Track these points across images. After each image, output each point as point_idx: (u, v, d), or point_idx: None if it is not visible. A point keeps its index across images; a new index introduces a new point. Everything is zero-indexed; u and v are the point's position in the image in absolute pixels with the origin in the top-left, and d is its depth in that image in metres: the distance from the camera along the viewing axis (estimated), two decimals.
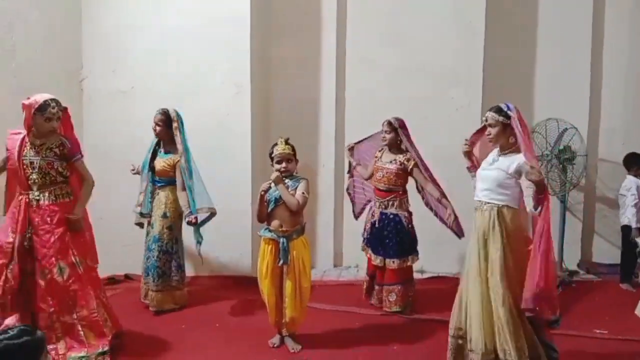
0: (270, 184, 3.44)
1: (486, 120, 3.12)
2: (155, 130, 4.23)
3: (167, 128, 4.18)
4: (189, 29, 4.91)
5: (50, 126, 3.22)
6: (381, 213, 4.25)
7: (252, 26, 4.89)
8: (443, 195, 4.13)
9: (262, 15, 5.21)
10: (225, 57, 4.90)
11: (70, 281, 3.24)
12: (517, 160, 3.02)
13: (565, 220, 5.22)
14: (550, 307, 3.00)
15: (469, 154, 3.32)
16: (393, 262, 4.18)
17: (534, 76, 5.48)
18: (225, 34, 4.87)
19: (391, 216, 4.22)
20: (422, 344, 3.68)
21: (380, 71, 5.33)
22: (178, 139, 4.15)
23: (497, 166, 3.09)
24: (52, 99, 3.22)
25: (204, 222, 4.23)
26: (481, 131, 3.28)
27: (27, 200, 3.24)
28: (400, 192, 4.24)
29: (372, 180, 4.34)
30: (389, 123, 4.24)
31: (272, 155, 3.52)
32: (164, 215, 4.22)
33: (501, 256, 2.98)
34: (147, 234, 4.30)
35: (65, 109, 3.32)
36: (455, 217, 4.12)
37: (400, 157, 4.20)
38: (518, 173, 3.00)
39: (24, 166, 3.23)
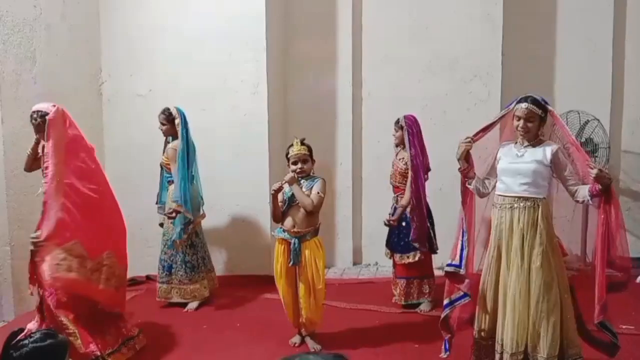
0: (282, 183, 3.43)
1: (524, 114, 2.92)
2: (161, 130, 4.34)
3: (172, 125, 4.29)
4: (206, 31, 4.93)
5: (40, 136, 3.32)
6: (394, 208, 4.27)
7: (268, 25, 4.89)
8: (405, 206, 4.12)
9: (278, 14, 5.22)
10: (241, 58, 4.91)
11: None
12: (549, 149, 2.93)
13: (588, 214, 5.11)
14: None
15: (467, 155, 3.16)
16: (400, 256, 4.22)
17: (554, 68, 5.39)
18: (241, 34, 4.88)
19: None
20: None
21: (397, 67, 5.30)
22: (183, 135, 4.26)
23: (531, 158, 2.95)
24: (36, 111, 3.28)
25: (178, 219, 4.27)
26: (488, 127, 3.17)
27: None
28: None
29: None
30: (396, 122, 4.25)
31: (288, 156, 3.51)
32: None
33: (544, 251, 2.91)
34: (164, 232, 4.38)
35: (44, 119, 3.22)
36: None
37: (406, 156, 4.17)
38: (554, 163, 2.93)
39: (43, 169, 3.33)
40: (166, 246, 4.35)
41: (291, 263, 3.45)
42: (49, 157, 3.16)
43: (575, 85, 5.28)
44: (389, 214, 4.31)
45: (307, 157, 3.49)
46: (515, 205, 2.97)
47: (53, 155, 3.15)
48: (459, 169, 3.21)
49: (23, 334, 1.81)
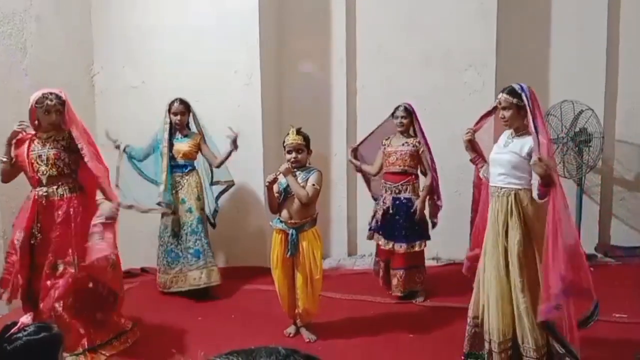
0: (276, 174, 3.41)
1: (499, 103, 3.02)
2: (175, 119, 4.36)
3: (185, 116, 4.40)
4: (199, 23, 4.89)
5: (49, 119, 3.24)
6: (393, 198, 4.24)
7: (261, 17, 4.86)
8: (432, 187, 4.20)
9: (272, 6, 5.18)
10: (235, 49, 4.88)
11: (60, 279, 3.22)
12: (529, 141, 2.94)
13: (582, 203, 5.14)
14: (587, 297, 2.91)
15: (471, 144, 3.21)
16: (400, 246, 4.19)
17: (548, 57, 5.37)
18: (235, 26, 4.86)
19: (404, 201, 4.21)
20: (438, 332, 3.68)
21: (391, 58, 5.28)
22: (196, 122, 4.48)
23: (510, 149, 3.00)
24: (50, 92, 3.23)
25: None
26: (487, 115, 3.20)
27: (35, 196, 3.27)
28: (414, 176, 4.25)
29: (384, 167, 4.32)
30: (405, 108, 4.24)
31: (284, 144, 3.49)
32: (198, 198, 4.42)
33: (520, 242, 2.91)
34: (179, 222, 4.39)
35: (65, 102, 3.28)
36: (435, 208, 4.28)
37: (411, 140, 4.22)
38: (530, 155, 2.92)
39: (32, 160, 3.26)
40: (205, 232, 4.40)
41: (289, 254, 3.45)
42: (82, 138, 3.28)
43: (570, 75, 5.27)
44: (382, 205, 4.30)
45: (303, 147, 3.46)
46: (495, 194, 3.03)
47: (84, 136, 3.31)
48: (469, 159, 3.27)
49: (16, 327, 1.79)
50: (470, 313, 3.15)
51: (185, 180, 4.41)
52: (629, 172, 5.31)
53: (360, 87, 5.39)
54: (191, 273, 4.36)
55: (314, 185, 3.43)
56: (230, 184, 4.67)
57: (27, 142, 3.29)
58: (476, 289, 3.13)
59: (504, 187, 2.99)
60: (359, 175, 5.46)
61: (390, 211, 4.25)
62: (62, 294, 3.19)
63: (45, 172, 3.25)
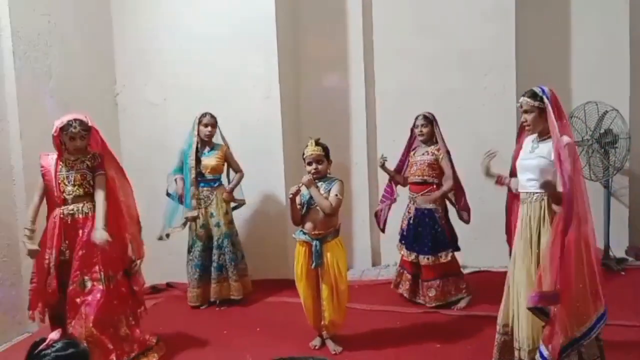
0: (299, 186, 3.42)
1: (520, 107, 2.99)
2: (206, 131, 4.46)
3: (215, 128, 4.53)
4: (217, 37, 4.96)
5: (74, 145, 3.33)
6: (416, 209, 4.22)
7: (277, 27, 4.91)
8: (445, 193, 4.21)
9: (288, 14, 5.23)
10: (253, 62, 4.93)
11: (89, 296, 3.28)
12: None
13: (610, 206, 5.03)
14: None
15: (487, 168, 3.22)
16: (427, 258, 4.16)
17: (569, 58, 5.30)
18: (252, 38, 4.91)
19: (426, 212, 4.18)
20: (466, 342, 3.62)
21: (409, 63, 5.27)
22: (222, 135, 4.59)
23: (537, 154, 2.96)
24: (75, 119, 3.30)
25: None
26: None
27: (61, 215, 3.33)
28: (435, 186, 4.21)
29: (409, 178, 4.33)
30: (425, 117, 4.24)
31: (304, 157, 3.49)
32: (226, 212, 4.51)
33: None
34: (208, 236, 4.50)
35: (91, 128, 3.35)
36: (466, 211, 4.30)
37: (432, 148, 4.22)
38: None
39: (59, 182, 3.35)
40: (234, 245, 4.51)
41: (313, 265, 3.44)
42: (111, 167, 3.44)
43: (592, 76, 5.18)
44: (407, 215, 4.29)
45: (322, 158, 3.46)
46: (528, 199, 2.99)
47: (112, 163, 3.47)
48: (495, 182, 3.26)
49: (45, 343, 1.81)
50: (499, 321, 3.10)
51: (214, 195, 4.49)
52: None
53: (379, 95, 5.38)
54: (213, 287, 4.47)
55: (336, 195, 3.42)
56: (242, 203, 4.71)
57: (55, 162, 3.38)
58: (505, 297, 3.08)
59: (536, 193, 2.93)
60: (380, 184, 5.47)
61: (412, 222, 4.23)
62: (95, 311, 3.25)
63: (71, 192, 3.33)
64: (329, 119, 5.30)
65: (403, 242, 4.34)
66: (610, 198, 5.05)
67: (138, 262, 3.51)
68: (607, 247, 4.94)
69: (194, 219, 4.46)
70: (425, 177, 4.21)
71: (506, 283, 3.10)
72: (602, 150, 4.78)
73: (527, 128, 3.03)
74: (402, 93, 5.29)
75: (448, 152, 4.21)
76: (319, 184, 3.46)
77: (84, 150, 3.38)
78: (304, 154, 3.50)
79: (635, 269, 4.89)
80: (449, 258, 4.20)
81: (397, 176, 4.46)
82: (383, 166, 4.40)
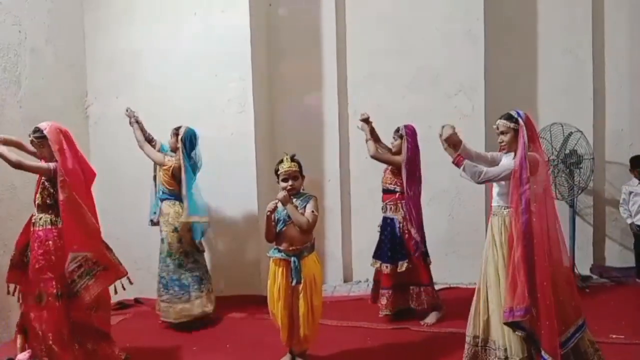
0: (276, 203, 3.40)
1: (497, 128, 3.15)
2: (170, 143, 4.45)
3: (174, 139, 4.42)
4: (191, 52, 4.96)
5: (38, 152, 3.33)
6: (383, 217, 4.32)
7: (253, 45, 4.94)
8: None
9: (263, 34, 5.27)
10: (227, 78, 4.94)
11: (44, 311, 3.19)
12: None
13: (575, 224, 5.17)
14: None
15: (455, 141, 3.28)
16: (387, 267, 4.24)
17: (536, 81, 5.47)
18: (226, 54, 4.92)
19: (388, 220, 4.29)
20: (434, 357, 3.64)
21: (382, 84, 5.36)
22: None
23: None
24: (35, 128, 3.30)
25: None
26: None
27: (32, 220, 3.32)
28: (397, 195, 4.28)
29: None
30: (397, 129, 4.35)
31: (278, 173, 3.47)
32: (175, 230, 4.35)
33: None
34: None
35: (44, 137, 3.27)
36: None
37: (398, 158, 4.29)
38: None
39: (36, 184, 3.33)
40: (172, 264, 4.33)
41: (294, 282, 3.38)
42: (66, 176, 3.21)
43: (558, 98, 5.36)
44: (379, 226, 4.34)
45: (297, 174, 3.46)
46: (499, 213, 3.13)
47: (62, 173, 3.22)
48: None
49: None
50: (469, 332, 3.14)
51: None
52: (620, 193, 5.35)
53: (352, 113, 5.44)
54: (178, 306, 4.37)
55: (312, 211, 3.42)
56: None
57: None
58: (474, 309, 3.14)
59: (507, 207, 3.06)
60: (352, 200, 5.51)
61: (378, 230, 4.32)
62: (51, 329, 3.16)
63: (38, 199, 3.29)
64: (302, 136, 5.33)
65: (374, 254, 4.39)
66: (575, 217, 5.19)
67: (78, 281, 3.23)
68: (572, 264, 5.05)
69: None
70: (387, 185, 4.32)
71: (475, 294, 3.17)
72: (567, 170, 4.93)
73: (502, 148, 3.18)
74: (374, 112, 5.30)
75: (412, 166, 4.25)
76: (294, 200, 3.45)
77: (49, 157, 3.29)
78: (277, 169, 3.47)
79: (600, 287, 5.02)
80: (403, 269, 4.22)
81: (370, 144, 4.37)
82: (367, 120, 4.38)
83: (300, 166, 3.50)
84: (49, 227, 3.26)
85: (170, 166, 4.34)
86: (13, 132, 4.14)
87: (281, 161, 3.46)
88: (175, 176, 4.35)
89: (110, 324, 3.54)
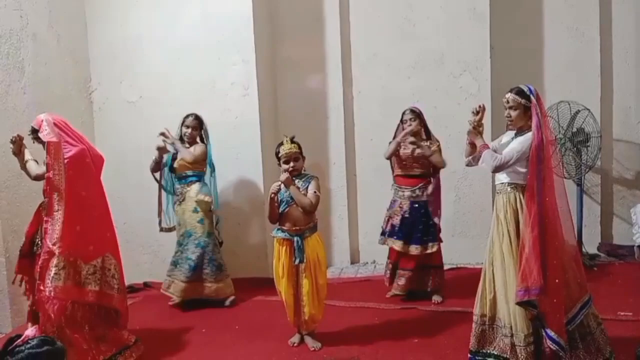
0: (279, 185, 3.42)
1: (507, 102, 3.05)
2: (187, 134, 4.40)
3: (199, 131, 4.45)
4: (194, 35, 4.93)
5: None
6: (411, 201, 4.27)
7: (255, 27, 4.90)
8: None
9: (265, 15, 5.22)
10: (230, 61, 4.91)
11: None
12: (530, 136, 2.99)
13: (583, 203, 5.14)
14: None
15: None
16: (416, 248, 4.24)
17: (542, 59, 5.40)
18: (229, 37, 4.89)
19: (417, 205, 4.27)
20: (443, 336, 3.65)
21: (386, 64, 5.32)
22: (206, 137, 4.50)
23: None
24: (31, 128, 3.34)
25: None
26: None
27: (41, 207, 3.36)
28: (427, 179, 4.28)
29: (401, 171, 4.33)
30: (412, 111, 4.27)
31: (279, 155, 3.49)
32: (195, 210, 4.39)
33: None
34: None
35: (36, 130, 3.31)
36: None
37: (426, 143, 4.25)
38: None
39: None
40: (194, 245, 4.37)
41: (297, 261, 3.43)
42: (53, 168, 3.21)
43: (565, 76, 5.30)
44: (400, 208, 4.30)
45: (298, 155, 3.48)
46: (503, 190, 3.09)
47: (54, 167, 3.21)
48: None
49: (20, 339, 1.80)
50: (476, 311, 3.13)
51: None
52: (627, 171, 5.32)
53: (357, 94, 5.41)
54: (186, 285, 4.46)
55: (315, 192, 3.45)
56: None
57: None
58: (482, 287, 3.13)
59: (511, 184, 3.05)
60: (358, 182, 5.49)
61: (399, 212, 4.30)
62: (63, 312, 3.20)
63: (44, 186, 3.31)
64: (307, 118, 5.31)
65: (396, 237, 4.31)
66: (583, 195, 5.17)
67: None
68: (579, 243, 5.04)
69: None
70: (417, 170, 4.25)
71: (482, 273, 3.15)
72: (575, 148, 4.89)
73: (509, 123, 3.10)
74: (379, 93, 5.33)
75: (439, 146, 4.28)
76: (296, 181, 3.48)
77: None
78: (278, 152, 3.50)
79: (607, 265, 5.01)
80: (434, 250, 4.27)
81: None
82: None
83: (300, 147, 3.52)
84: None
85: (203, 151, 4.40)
86: (18, 118, 4.18)
87: (281, 143, 3.49)
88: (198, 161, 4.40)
89: (127, 304, 3.60)
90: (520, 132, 3.07)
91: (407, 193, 4.27)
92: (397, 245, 4.28)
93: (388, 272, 4.43)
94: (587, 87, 5.22)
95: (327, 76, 5.39)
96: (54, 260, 3.16)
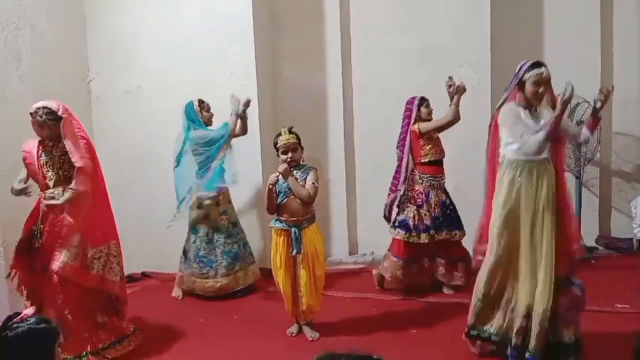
0: (277, 176, 3.42)
1: (546, 77, 3.02)
2: (210, 118, 4.45)
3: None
4: (192, 26, 4.90)
5: (42, 133, 3.30)
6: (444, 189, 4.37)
7: (254, 18, 4.86)
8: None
9: (264, 7, 5.18)
10: (229, 51, 4.89)
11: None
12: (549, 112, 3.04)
13: (582, 196, 5.14)
14: None
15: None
16: (456, 234, 4.27)
17: (542, 51, 5.36)
18: (228, 28, 4.86)
19: (444, 196, 4.36)
20: (441, 327, 3.67)
21: (386, 56, 5.28)
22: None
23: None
24: (42, 107, 3.25)
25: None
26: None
27: (42, 198, 3.32)
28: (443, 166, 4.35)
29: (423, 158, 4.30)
30: (425, 98, 4.39)
31: (277, 146, 3.49)
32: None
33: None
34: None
35: (61, 118, 3.26)
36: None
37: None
38: None
39: (41, 166, 3.32)
40: (204, 241, 4.35)
41: (294, 252, 3.44)
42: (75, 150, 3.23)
43: (565, 68, 5.20)
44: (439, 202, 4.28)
45: (297, 146, 3.47)
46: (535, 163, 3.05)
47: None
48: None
49: (19, 317, 1.86)
50: (480, 288, 3.10)
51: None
52: (626, 164, 5.31)
53: (356, 85, 5.39)
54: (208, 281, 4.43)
55: (313, 183, 3.44)
56: None
57: (36, 146, 3.35)
58: (490, 268, 3.07)
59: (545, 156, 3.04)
60: (357, 174, 5.47)
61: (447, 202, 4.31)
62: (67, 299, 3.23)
63: (52, 177, 3.31)
64: (306, 109, 5.28)
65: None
66: (582, 188, 5.17)
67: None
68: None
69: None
70: (439, 156, 4.27)
71: (495, 252, 3.06)
72: None
73: (540, 99, 3.07)
74: (379, 85, 5.30)
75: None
76: (294, 171, 3.47)
77: (57, 137, 3.30)
78: (276, 143, 3.50)
79: (605, 258, 5.01)
80: (457, 237, 4.27)
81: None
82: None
83: (299, 138, 3.51)
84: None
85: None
86: (16, 107, 4.14)
87: (279, 134, 3.49)
88: None
89: (126, 292, 3.63)
90: (535, 109, 3.09)
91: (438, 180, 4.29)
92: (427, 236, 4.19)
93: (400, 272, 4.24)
94: (587, 80, 5.17)
95: (327, 67, 5.36)
96: (76, 238, 3.21)
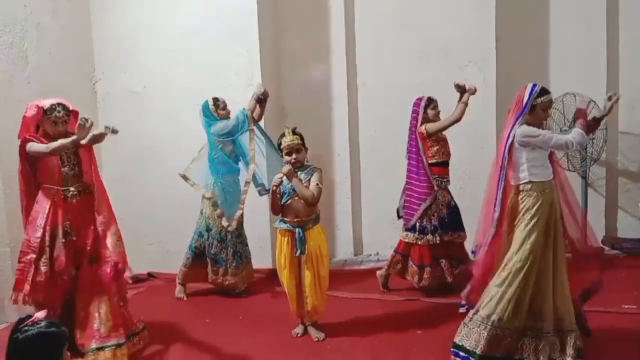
0: (281, 177, 3.41)
1: (552, 102, 3.24)
2: (226, 116, 4.42)
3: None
4: (198, 25, 4.91)
5: (56, 129, 3.29)
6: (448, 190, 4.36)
7: (259, 18, 4.87)
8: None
9: (269, 5, 5.19)
10: (234, 51, 4.89)
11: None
12: None
13: (588, 196, 5.12)
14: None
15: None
16: (455, 235, 4.30)
17: (548, 50, 5.35)
18: (233, 27, 4.87)
19: (450, 197, 4.38)
20: (446, 328, 3.65)
21: (391, 55, 5.28)
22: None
23: None
24: (58, 103, 3.27)
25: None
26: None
27: (62, 196, 3.31)
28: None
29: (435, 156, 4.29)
30: (429, 99, 4.36)
31: (281, 147, 3.48)
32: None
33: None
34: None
35: (72, 112, 3.34)
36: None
37: None
38: None
39: (58, 161, 3.31)
40: (215, 239, 4.37)
41: (298, 252, 3.44)
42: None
43: (571, 68, 5.26)
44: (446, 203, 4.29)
45: (301, 147, 3.46)
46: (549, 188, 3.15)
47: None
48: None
49: (30, 320, 1.92)
50: (493, 316, 3.03)
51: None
52: (633, 164, 5.29)
53: (361, 85, 5.38)
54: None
55: (317, 184, 3.43)
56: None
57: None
58: (503, 288, 3.03)
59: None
60: (362, 174, 5.45)
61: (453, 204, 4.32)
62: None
63: (67, 172, 3.33)
64: (311, 109, 5.29)
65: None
66: (588, 188, 5.15)
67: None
68: (584, 236, 5.01)
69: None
70: (446, 157, 4.29)
71: (511, 276, 3.02)
72: None
73: (545, 119, 3.26)
74: (384, 84, 5.30)
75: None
76: (298, 172, 3.46)
77: (64, 134, 3.32)
78: (280, 143, 3.49)
79: (612, 258, 4.99)
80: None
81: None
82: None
83: (302, 139, 3.50)
84: (90, 193, 3.38)
85: None
86: (22, 108, 4.14)
87: (283, 135, 3.47)
88: None
89: (127, 290, 3.67)
90: None
91: (446, 183, 4.30)
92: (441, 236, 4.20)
93: (416, 275, 4.22)
94: (593, 79, 5.17)
95: (331, 66, 5.36)
96: (116, 226, 3.37)
